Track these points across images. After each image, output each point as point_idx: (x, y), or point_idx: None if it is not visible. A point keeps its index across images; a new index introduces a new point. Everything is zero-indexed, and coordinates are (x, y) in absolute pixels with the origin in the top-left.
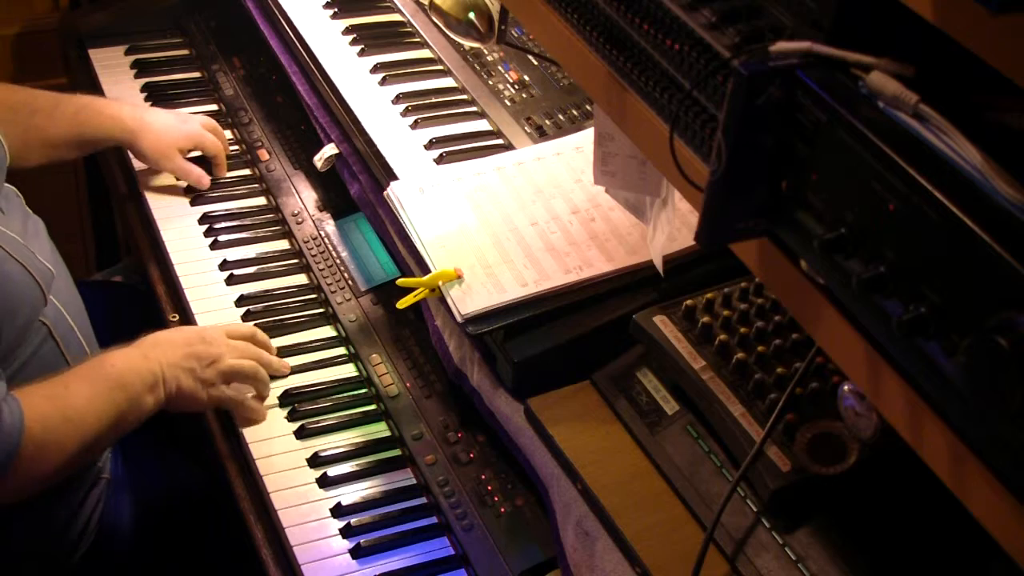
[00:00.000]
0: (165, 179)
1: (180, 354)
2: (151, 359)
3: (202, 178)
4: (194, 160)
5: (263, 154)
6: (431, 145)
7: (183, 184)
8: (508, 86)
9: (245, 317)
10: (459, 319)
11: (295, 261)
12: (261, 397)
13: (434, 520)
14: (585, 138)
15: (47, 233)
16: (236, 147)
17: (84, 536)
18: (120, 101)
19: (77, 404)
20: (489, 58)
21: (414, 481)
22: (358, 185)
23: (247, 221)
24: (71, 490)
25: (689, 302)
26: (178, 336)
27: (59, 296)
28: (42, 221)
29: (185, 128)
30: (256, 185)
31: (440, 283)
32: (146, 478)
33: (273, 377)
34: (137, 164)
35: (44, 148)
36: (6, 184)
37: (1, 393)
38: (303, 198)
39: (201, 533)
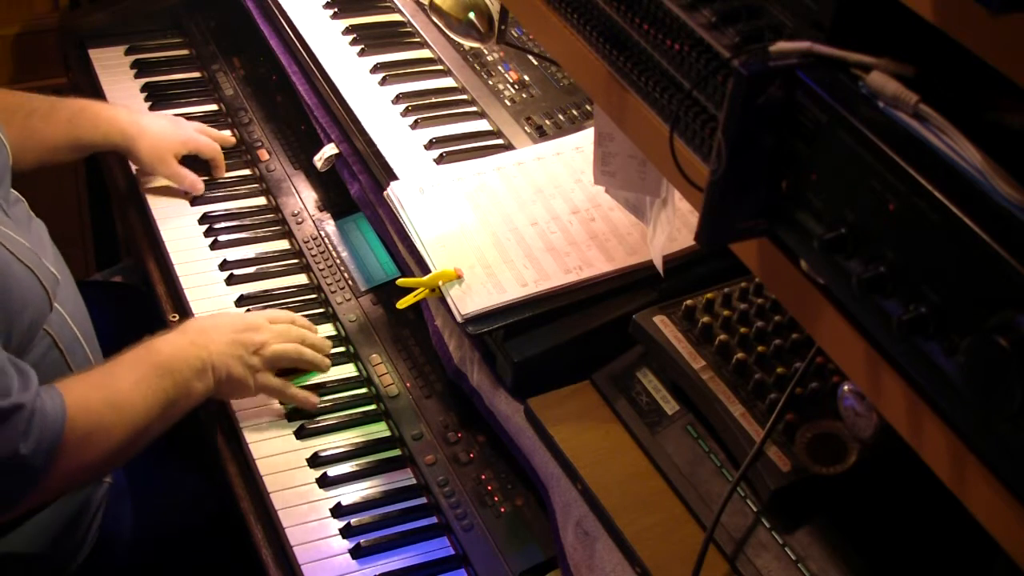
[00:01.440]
0: (165, 179)
1: (227, 340)
2: (199, 345)
3: (196, 184)
4: (191, 162)
5: (263, 154)
6: (431, 145)
7: None
8: (508, 86)
9: None
10: (459, 319)
11: (295, 261)
12: (320, 370)
13: (434, 520)
14: (585, 138)
15: (50, 238)
16: (236, 147)
17: (85, 541)
18: (116, 105)
19: (123, 390)
20: (489, 58)
21: (414, 481)
22: (358, 185)
23: (247, 221)
24: (72, 495)
25: (689, 302)
26: (223, 321)
27: (64, 305)
28: (45, 226)
29: (180, 133)
30: (256, 185)
31: (440, 283)
32: (146, 483)
33: (278, 375)
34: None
35: (40, 151)
36: (12, 191)
37: (36, 385)
38: (303, 198)
39: (201, 537)
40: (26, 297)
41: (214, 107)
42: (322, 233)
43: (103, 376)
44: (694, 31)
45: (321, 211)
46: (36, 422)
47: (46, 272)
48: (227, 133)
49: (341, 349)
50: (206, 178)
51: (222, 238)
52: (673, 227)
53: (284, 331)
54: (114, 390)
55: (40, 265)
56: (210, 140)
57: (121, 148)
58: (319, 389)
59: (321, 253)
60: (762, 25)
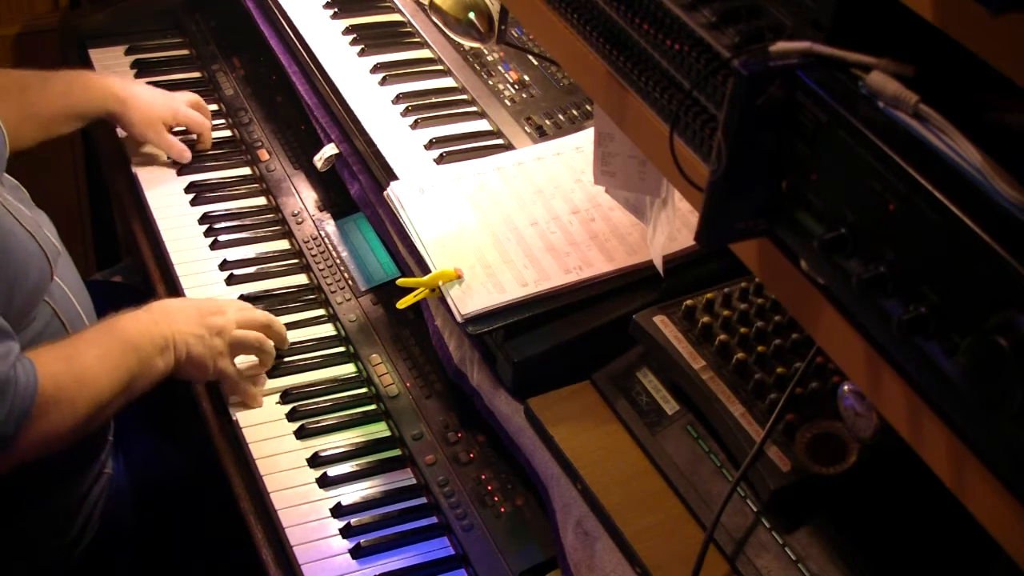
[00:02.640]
0: (165, 178)
1: (192, 321)
2: (162, 324)
3: (184, 152)
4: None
5: (263, 154)
6: (431, 145)
7: (183, 183)
8: (508, 86)
9: None
10: (459, 319)
11: (295, 261)
12: (263, 364)
13: (434, 520)
14: (585, 138)
15: (52, 225)
16: (236, 147)
17: (86, 530)
18: (108, 74)
19: (89, 364)
20: (489, 58)
21: (414, 481)
22: (358, 185)
23: (247, 221)
24: (74, 483)
25: (689, 302)
26: (189, 304)
27: (65, 281)
28: (44, 214)
29: (171, 103)
30: (256, 185)
31: (440, 283)
32: (147, 474)
33: (273, 376)
34: (135, 166)
35: (37, 125)
36: (10, 178)
37: (15, 354)
38: (303, 198)
39: (201, 528)
40: (29, 261)
41: (214, 107)
42: (322, 233)
43: (70, 349)
44: (694, 31)
45: (321, 211)
46: (10, 391)
47: (48, 241)
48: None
49: (341, 349)
50: (196, 146)
51: (222, 238)
52: (673, 227)
53: (247, 318)
54: (81, 364)
55: (41, 234)
56: (199, 115)
57: (114, 114)
58: (315, 390)
59: (321, 253)
60: (762, 25)
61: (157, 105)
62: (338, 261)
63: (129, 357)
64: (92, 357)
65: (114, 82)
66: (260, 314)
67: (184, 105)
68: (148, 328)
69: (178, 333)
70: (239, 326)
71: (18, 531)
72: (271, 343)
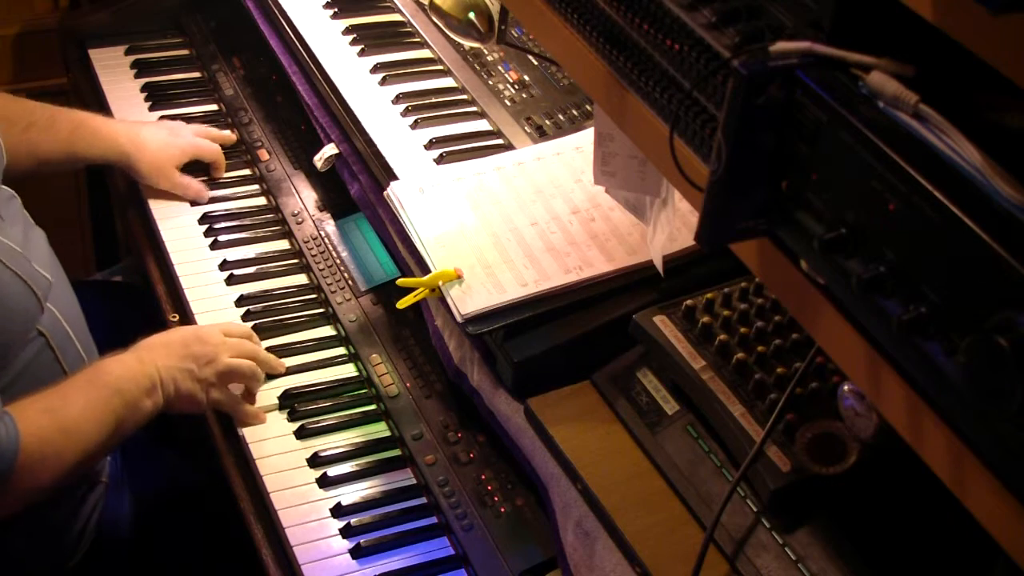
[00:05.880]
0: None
1: (177, 355)
2: (147, 363)
3: (201, 192)
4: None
5: (263, 154)
6: (431, 145)
7: None
8: (508, 86)
9: (245, 317)
10: (459, 319)
11: (295, 261)
12: (251, 392)
13: (434, 520)
14: (585, 138)
15: (47, 243)
16: (236, 147)
17: (82, 539)
18: (116, 121)
19: (74, 415)
20: (489, 58)
21: (414, 481)
22: (358, 185)
23: (247, 221)
24: (68, 494)
25: (689, 302)
26: (175, 337)
27: (56, 304)
28: (44, 233)
29: (179, 143)
30: (256, 185)
31: (440, 283)
32: (145, 480)
33: (272, 377)
34: None
35: (34, 162)
36: (4, 187)
37: None
38: (303, 198)
39: (200, 534)
40: (15, 304)
41: (214, 107)
42: (322, 233)
43: (54, 399)
44: (694, 31)
45: (321, 211)
46: None
47: (37, 277)
48: (227, 132)
49: (341, 349)
50: (205, 178)
51: (222, 238)
52: (673, 227)
53: (238, 345)
54: (65, 415)
55: (30, 271)
56: (210, 143)
57: (120, 164)
58: (315, 390)
59: (321, 253)
60: (762, 25)
61: (166, 150)
62: (338, 261)
63: (115, 402)
64: (77, 407)
65: (121, 132)
66: (248, 344)
67: (193, 138)
68: (133, 369)
69: (164, 369)
70: (230, 353)
71: (11, 543)
72: (263, 373)
